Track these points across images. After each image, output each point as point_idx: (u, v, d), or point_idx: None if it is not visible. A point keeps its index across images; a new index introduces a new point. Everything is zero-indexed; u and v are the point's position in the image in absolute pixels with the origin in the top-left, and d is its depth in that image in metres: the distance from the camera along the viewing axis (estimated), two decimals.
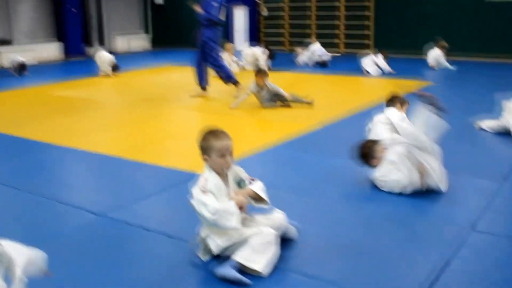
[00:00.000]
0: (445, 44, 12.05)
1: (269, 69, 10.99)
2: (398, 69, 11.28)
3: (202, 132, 2.99)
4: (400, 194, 3.96)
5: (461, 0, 14.32)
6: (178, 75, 11.88)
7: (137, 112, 7.65)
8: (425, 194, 3.97)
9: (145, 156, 5.19)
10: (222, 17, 8.34)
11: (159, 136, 6.18)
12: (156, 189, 4.26)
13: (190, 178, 4.31)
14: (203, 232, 2.96)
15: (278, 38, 17.32)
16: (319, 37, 16.62)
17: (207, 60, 8.38)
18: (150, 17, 20.01)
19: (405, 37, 14.95)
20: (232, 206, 2.82)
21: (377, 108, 5.61)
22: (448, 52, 12.11)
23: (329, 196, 4.02)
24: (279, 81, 8.23)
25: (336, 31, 16.46)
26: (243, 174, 3.07)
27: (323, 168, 4.72)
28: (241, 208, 2.88)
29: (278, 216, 3.11)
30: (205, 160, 2.95)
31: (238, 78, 8.66)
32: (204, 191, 2.84)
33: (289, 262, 2.95)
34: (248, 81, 8.04)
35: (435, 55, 11.97)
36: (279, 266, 2.87)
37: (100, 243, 3.27)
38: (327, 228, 3.44)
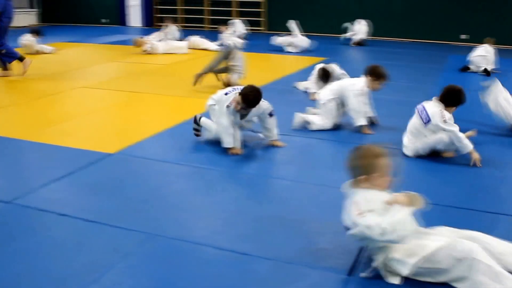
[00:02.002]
0: None
1: None
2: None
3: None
4: None
5: None
6: (71, 52, 11.45)
7: (31, 91, 7.34)
8: None
9: (47, 137, 5.06)
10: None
11: (59, 116, 6.00)
12: (64, 171, 4.19)
13: (99, 158, 4.42)
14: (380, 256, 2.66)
15: (172, 15, 17.08)
16: (212, 14, 16.74)
17: None
18: None
19: (295, 15, 15.44)
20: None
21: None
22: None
23: None
24: None
25: (230, 8, 16.60)
26: None
27: None
28: None
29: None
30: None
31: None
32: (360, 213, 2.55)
33: None
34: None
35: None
36: None
37: (11, 231, 3.19)
38: None
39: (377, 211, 2.54)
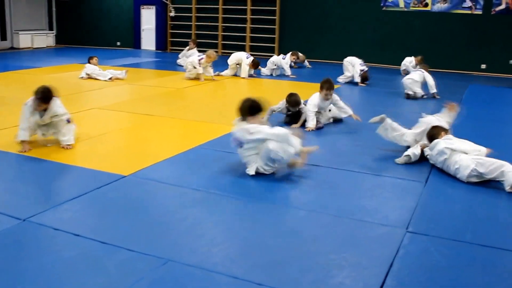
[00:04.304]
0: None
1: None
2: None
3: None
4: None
5: (359, 7, 15.17)
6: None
7: None
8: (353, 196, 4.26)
9: (62, 157, 5.07)
10: None
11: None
12: (79, 191, 4.18)
13: (113, 180, 4.41)
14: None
15: (185, 39, 17.24)
16: (225, 39, 16.91)
17: None
18: (54, 14, 19.25)
19: (308, 42, 15.58)
20: None
21: None
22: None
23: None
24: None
25: (243, 34, 16.77)
26: None
27: None
28: None
29: None
30: None
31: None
32: None
33: None
34: None
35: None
36: None
37: (25, 250, 3.18)
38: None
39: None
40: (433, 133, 5.21)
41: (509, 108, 9.36)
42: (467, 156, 4.74)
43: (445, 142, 4.96)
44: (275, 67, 12.19)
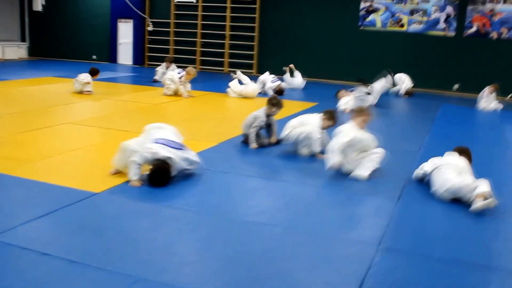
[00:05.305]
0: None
1: None
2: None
3: None
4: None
5: (338, 26, 15.39)
6: (59, 87, 11.42)
7: (17, 125, 7.25)
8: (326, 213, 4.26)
9: (31, 173, 4.96)
10: None
11: (44, 151, 5.91)
12: (48, 209, 4.09)
13: (84, 197, 4.33)
14: None
15: (163, 54, 17.22)
16: (203, 55, 16.94)
17: None
18: (27, 24, 19.02)
19: (287, 59, 15.69)
20: None
21: None
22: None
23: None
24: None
25: (222, 50, 16.81)
26: None
27: None
28: None
29: None
30: None
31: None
32: None
33: None
34: None
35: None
36: None
37: None
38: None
39: None
40: None
41: (478, 128, 9.54)
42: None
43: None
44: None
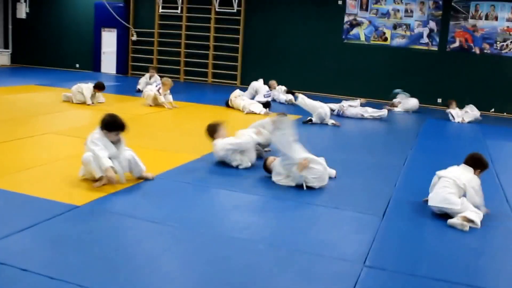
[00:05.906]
0: None
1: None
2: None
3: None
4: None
5: (321, 39, 15.47)
6: (42, 95, 11.29)
7: None
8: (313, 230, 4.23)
9: (10, 185, 4.85)
10: None
11: (25, 162, 5.80)
12: (28, 222, 4.00)
13: (65, 210, 4.24)
14: None
15: (147, 64, 17.11)
16: (187, 65, 16.90)
17: None
18: (10, 31, 18.81)
19: (271, 71, 15.72)
20: None
21: None
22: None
23: None
24: None
25: (206, 61, 16.79)
26: None
27: None
28: None
29: None
30: None
31: None
32: None
33: None
34: None
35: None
36: None
37: None
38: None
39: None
40: None
41: (461, 142, 9.62)
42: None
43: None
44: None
